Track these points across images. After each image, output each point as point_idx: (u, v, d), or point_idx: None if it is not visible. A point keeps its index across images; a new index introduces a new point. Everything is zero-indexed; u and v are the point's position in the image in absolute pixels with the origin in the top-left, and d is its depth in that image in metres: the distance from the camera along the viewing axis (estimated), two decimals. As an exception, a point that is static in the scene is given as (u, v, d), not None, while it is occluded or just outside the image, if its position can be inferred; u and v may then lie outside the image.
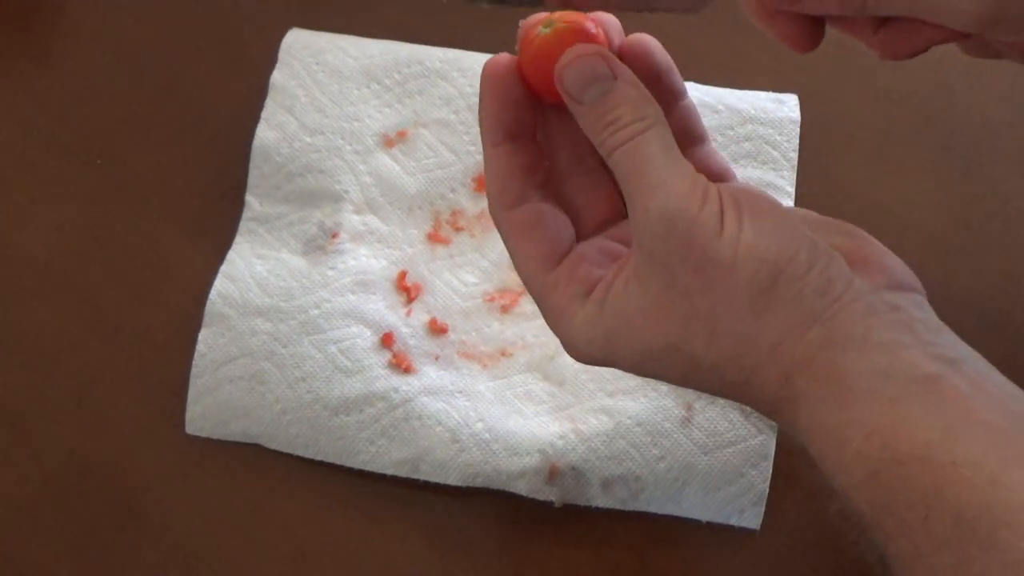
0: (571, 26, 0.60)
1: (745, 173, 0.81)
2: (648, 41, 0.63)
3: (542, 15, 0.61)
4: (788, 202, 0.81)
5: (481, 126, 0.61)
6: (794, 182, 0.81)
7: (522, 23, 0.63)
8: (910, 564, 0.50)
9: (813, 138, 0.84)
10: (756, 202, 0.55)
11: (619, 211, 0.63)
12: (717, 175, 0.62)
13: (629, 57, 0.61)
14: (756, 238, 0.53)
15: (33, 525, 0.75)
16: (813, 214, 0.63)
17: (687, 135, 0.63)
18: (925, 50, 0.61)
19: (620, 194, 0.58)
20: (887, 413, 0.51)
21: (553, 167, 0.62)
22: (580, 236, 0.62)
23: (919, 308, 0.56)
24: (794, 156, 0.82)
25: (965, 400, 0.50)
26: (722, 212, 0.54)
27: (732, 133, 0.82)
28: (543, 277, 0.60)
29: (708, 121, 0.82)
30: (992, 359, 0.78)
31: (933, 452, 0.49)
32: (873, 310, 0.54)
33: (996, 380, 0.53)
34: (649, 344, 0.56)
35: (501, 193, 0.60)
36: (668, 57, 0.63)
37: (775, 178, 0.82)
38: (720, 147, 0.82)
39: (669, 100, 0.62)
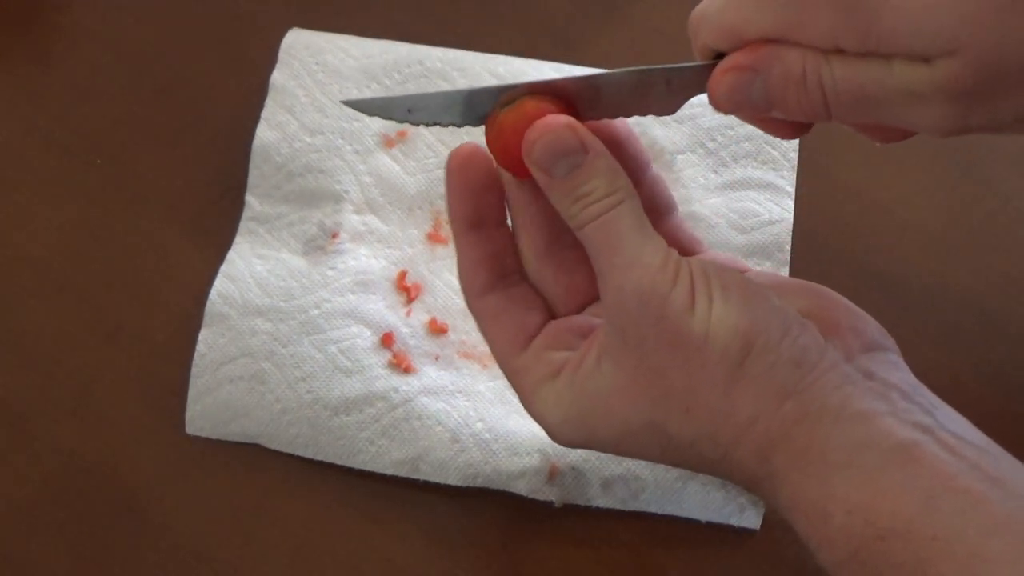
0: (538, 101, 0.59)
1: (745, 173, 0.81)
2: (607, 125, 0.62)
3: (506, 97, 0.60)
4: (788, 202, 0.81)
5: (448, 215, 0.62)
6: (794, 182, 0.81)
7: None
8: None
9: (813, 138, 0.83)
10: (725, 276, 0.56)
11: (595, 292, 0.62)
12: (687, 247, 0.63)
13: (592, 127, 0.60)
14: (726, 313, 0.54)
15: (33, 525, 0.74)
16: (779, 277, 0.65)
17: (655, 207, 0.63)
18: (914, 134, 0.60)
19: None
20: (867, 486, 0.51)
21: (530, 245, 0.62)
22: (558, 314, 0.63)
23: (894, 369, 0.56)
24: (794, 156, 0.82)
25: (943, 467, 0.50)
26: (693, 288, 0.55)
27: (732, 133, 0.82)
28: (513, 362, 0.61)
29: (708, 121, 0.83)
30: (992, 359, 0.78)
31: (914, 526, 0.49)
32: (847, 379, 0.54)
33: (972, 439, 0.53)
34: (628, 421, 0.57)
35: (470, 282, 0.62)
36: (628, 125, 0.62)
37: (775, 178, 0.82)
38: (720, 147, 0.82)
39: (635, 170, 0.62)
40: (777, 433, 0.53)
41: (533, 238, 0.62)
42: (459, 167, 0.60)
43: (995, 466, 0.51)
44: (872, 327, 0.58)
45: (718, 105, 0.57)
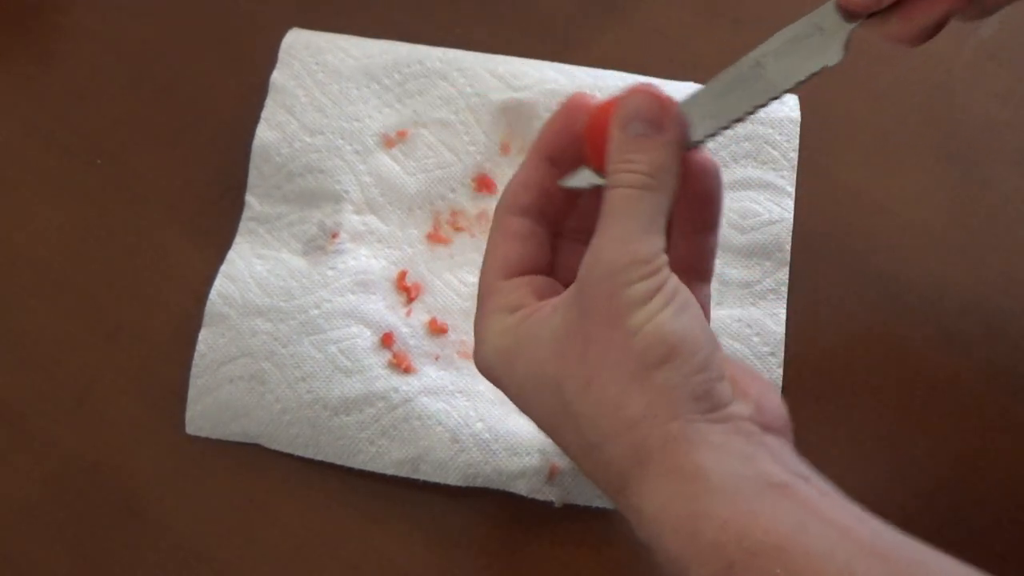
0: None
1: (745, 173, 0.81)
2: (714, 165, 0.63)
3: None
4: (788, 202, 0.81)
5: (536, 138, 0.62)
6: (794, 182, 0.81)
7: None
8: None
9: (813, 138, 0.84)
10: (690, 302, 0.56)
11: None
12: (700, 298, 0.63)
13: (689, 168, 0.61)
14: (669, 321, 0.54)
15: (33, 525, 0.75)
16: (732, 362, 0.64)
17: (694, 269, 0.63)
18: (940, 25, 0.64)
19: None
20: (740, 508, 0.51)
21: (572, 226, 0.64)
22: (557, 279, 0.63)
23: (782, 447, 0.56)
24: (794, 156, 0.82)
25: (815, 503, 0.51)
26: (657, 291, 0.55)
27: (732, 133, 0.82)
28: (492, 280, 0.61)
29: (708, 121, 0.83)
30: (992, 359, 0.78)
31: (787, 544, 0.49)
32: (738, 430, 0.54)
33: (842, 498, 0.54)
34: (540, 371, 0.57)
35: (512, 196, 0.62)
36: (722, 189, 0.63)
37: (775, 178, 0.82)
38: (720, 147, 0.82)
39: (700, 226, 0.63)
40: (656, 443, 0.53)
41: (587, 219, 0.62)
42: (574, 105, 0.61)
43: (863, 513, 0.52)
44: (780, 411, 0.58)
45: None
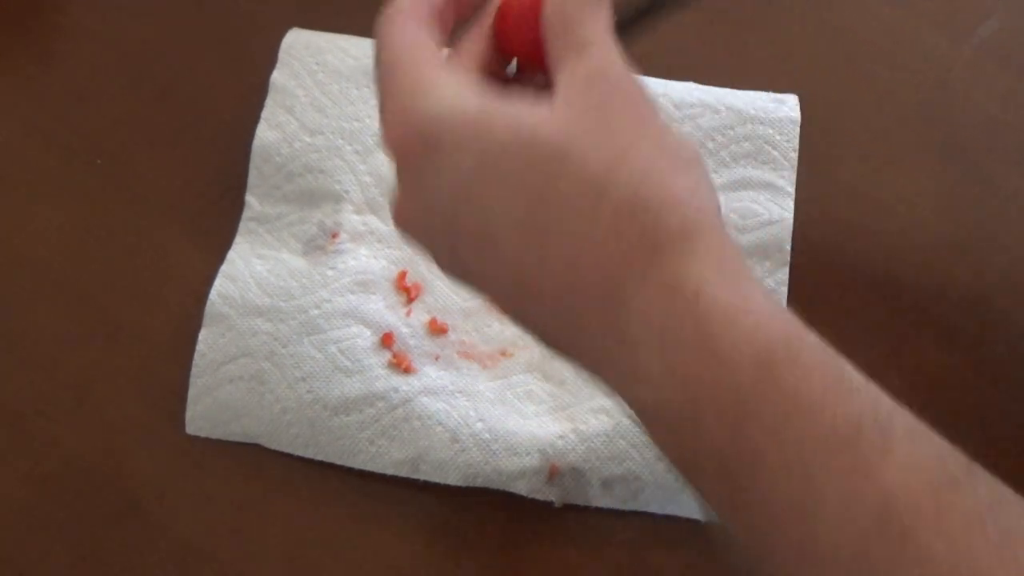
0: None
1: (745, 173, 0.81)
2: None
3: None
4: (788, 202, 0.81)
5: None
6: (794, 182, 0.81)
7: None
8: (796, 462, 0.45)
9: (813, 138, 0.84)
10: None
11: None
12: None
13: None
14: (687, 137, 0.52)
15: (33, 525, 0.75)
16: None
17: None
18: None
19: None
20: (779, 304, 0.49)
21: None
22: None
23: None
24: (794, 156, 0.82)
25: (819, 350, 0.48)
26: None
27: (732, 133, 0.82)
28: (410, 35, 0.55)
29: (708, 121, 0.83)
30: (992, 359, 0.78)
31: (829, 348, 0.48)
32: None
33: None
34: (533, 138, 0.50)
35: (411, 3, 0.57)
36: None
37: (775, 178, 0.82)
38: (720, 147, 0.82)
39: None
40: (707, 222, 0.49)
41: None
42: None
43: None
44: None
45: None
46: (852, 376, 0.47)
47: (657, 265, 0.48)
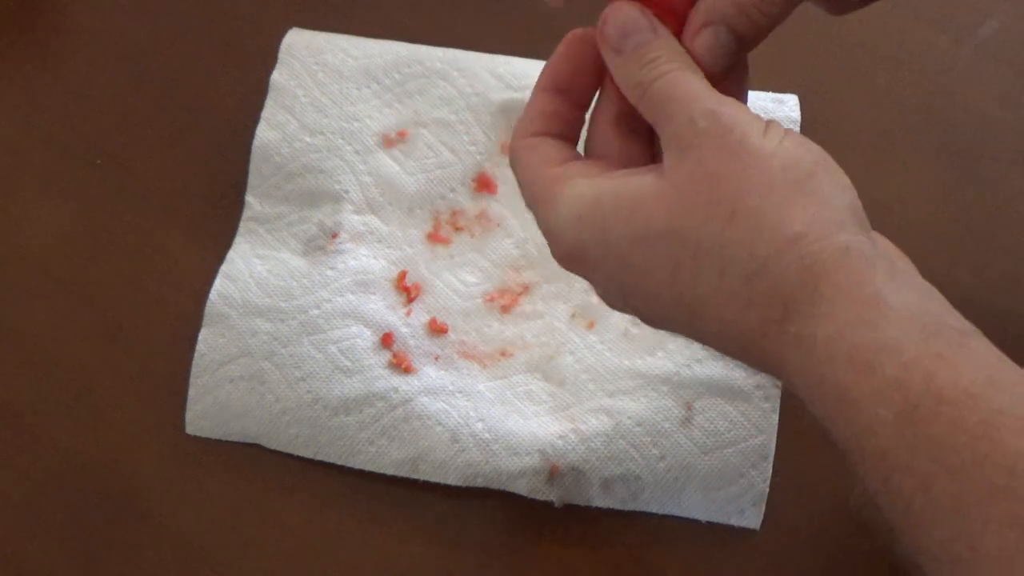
0: None
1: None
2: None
3: None
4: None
5: (541, 74, 0.61)
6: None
7: None
8: (951, 515, 0.45)
9: (813, 138, 0.83)
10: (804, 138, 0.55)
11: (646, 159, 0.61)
12: None
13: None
14: (795, 147, 0.52)
15: (32, 525, 0.75)
16: None
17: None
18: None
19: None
20: (927, 346, 0.47)
21: (607, 106, 0.61)
22: None
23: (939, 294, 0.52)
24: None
25: (998, 359, 0.48)
26: (768, 124, 0.53)
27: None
28: (545, 170, 0.58)
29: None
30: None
31: (978, 398, 0.45)
32: (899, 261, 0.53)
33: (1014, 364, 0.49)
34: (651, 224, 0.53)
35: (524, 125, 0.60)
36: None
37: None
38: (720, 147, 0.82)
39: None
40: (831, 255, 0.49)
41: (612, 101, 0.60)
42: (579, 38, 0.60)
43: None
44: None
45: None
46: (1004, 408, 0.45)
47: (789, 328, 0.50)
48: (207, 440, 0.76)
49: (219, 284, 0.79)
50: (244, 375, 0.76)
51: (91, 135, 0.86)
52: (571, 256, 0.57)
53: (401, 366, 0.76)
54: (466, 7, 0.90)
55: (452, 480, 0.73)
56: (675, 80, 0.55)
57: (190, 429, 0.76)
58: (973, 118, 0.86)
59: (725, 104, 0.53)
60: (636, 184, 0.54)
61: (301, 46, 0.86)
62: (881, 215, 0.81)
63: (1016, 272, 0.81)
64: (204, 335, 0.78)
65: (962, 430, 0.45)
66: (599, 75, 0.60)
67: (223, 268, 0.80)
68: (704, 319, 0.54)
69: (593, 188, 0.56)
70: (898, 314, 0.48)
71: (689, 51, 0.57)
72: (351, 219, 0.80)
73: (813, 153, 0.53)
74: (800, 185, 0.51)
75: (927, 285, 0.51)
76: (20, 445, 0.77)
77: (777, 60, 0.87)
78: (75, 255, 0.82)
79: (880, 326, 0.48)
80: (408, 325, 0.78)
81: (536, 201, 0.58)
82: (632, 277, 0.55)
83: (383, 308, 0.78)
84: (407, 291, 0.79)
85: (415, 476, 0.74)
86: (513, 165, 0.60)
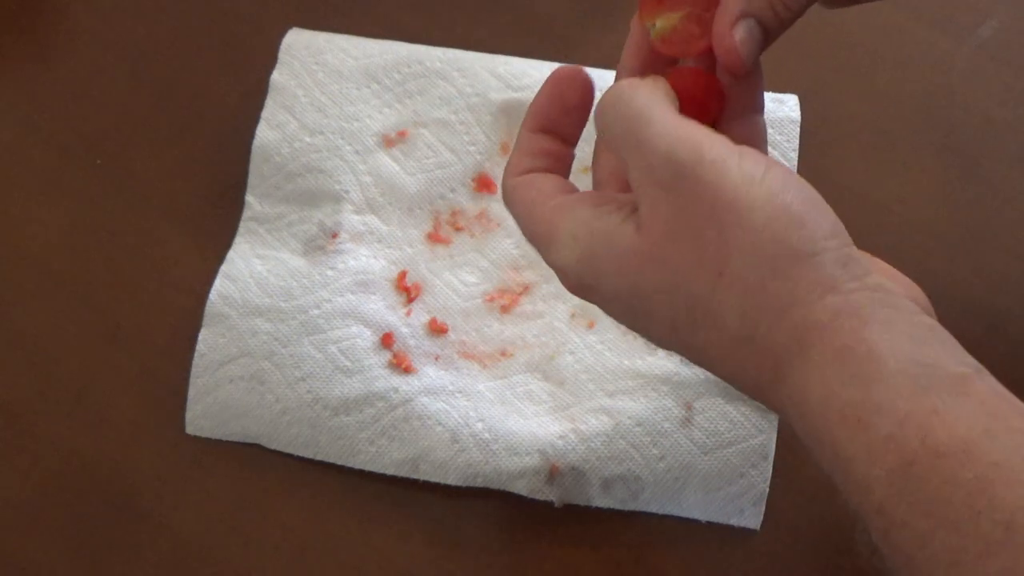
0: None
1: (745, 173, 0.81)
2: (736, 54, 0.58)
3: None
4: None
5: (526, 113, 0.60)
6: (794, 180, 0.81)
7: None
8: (949, 570, 0.44)
9: (813, 138, 0.84)
10: (783, 167, 0.51)
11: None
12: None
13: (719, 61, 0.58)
14: (782, 187, 0.50)
15: (33, 525, 0.75)
16: None
17: (749, 104, 0.60)
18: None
19: None
20: (920, 402, 0.45)
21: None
22: None
23: (941, 329, 0.51)
24: (794, 156, 0.82)
25: (997, 404, 0.46)
26: (741, 155, 0.51)
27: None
28: (545, 201, 0.57)
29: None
30: (992, 359, 0.78)
31: (973, 450, 0.44)
32: (894, 305, 0.50)
33: (1017, 401, 0.48)
34: (641, 283, 0.53)
35: (513, 166, 0.59)
36: (758, 72, 0.60)
37: (775, 178, 0.82)
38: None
39: (746, 110, 0.60)
40: (820, 319, 0.48)
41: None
42: (563, 78, 0.59)
43: None
44: (923, 295, 0.56)
45: None
46: (1000, 461, 0.44)
47: (782, 388, 0.50)
48: (207, 440, 0.76)
49: (219, 284, 0.79)
50: (244, 375, 0.76)
51: (91, 135, 0.86)
52: (580, 290, 0.57)
53: (401, 366, 0.76)
54: (466, 7, 0.90)
55: (452, 480, 0.74)
56: (629, 104, 0.54)
57: (190, 429, 0.76)
58: (973, 118, 0.86)
59: (688, 138, 0.51)
60: (620, 236, 0.53)
61: (301, 46, 0.86)
62: (881, 215, 0.82)
63: (1016, 272, 0.81)
64: (204, 335, 0.78)
65: (957, 485, 0.44)
66: (586, 112, 0.60)
67: (223, 268, 0.80)
68: (710, 363, 0.54)
69: (585, 230, 0.55)
70: (891, 369, 0.47)
71: (724, 46, 0.56)
72: (351, 219, 0.80)
73: (795, 192, 0.50)
74: (786, 243, 0.50)
75: (924, 323, 0.50)
76: (20, 445, 0.77)
77: (777, 60, 0.87)
78: (75, 255, 0.82)
79: (872, 384, 0.47)
80: (408, 325, 0.78)
81: (536, 239, 0.57)
82: (637, 320, 0.56)
83: (383, 308, 0.78)
84: (407, 291, 0.79)
85: (415, 476, 0.74)
86: (508, 202, 0.59)
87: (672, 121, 0.52)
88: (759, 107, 0.60)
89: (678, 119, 0.53)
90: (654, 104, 0.53)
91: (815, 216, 0.50)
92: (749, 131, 0.59)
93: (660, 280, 0.52)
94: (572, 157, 0.61)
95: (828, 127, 0.85)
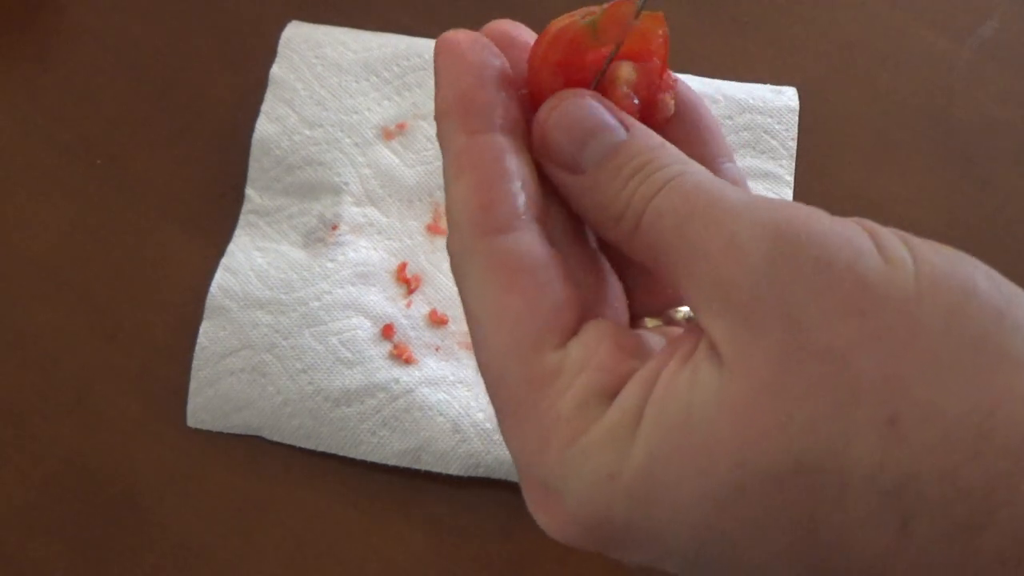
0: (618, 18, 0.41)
1: (744, 163, 0.82)
2: (695, 96, 0.44)
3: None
4: (787, 191, 0.81)
5: (449, 109, 0.41)
6: (792, 171, 0.82)
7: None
8: None
9: (813, 138, 0.84)
10: (913, 238, 0.36)
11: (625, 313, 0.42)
12: None
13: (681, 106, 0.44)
14: (944, 263, 0.35)
15: (33, 524, 0.74)
16: None
17: None
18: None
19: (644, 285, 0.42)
20: None
21: (558, 211, 0.42)
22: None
23: None
24: (793, 145, 0.82)
25: None
26: (873, 232, 0.36)
27: (731, 123, 0.83)
28: (535, 357, 0.37)
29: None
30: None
31: None
32: None
33: None
34: (746, 465, 0.33)
35: (483, 209, 0.38)
36: (712, 118, 0.45)
37: (774, 167, 0.82)
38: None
39: (717, 159, 0.44)
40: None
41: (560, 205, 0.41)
42: (474, 39, 0.43)
43: None
44: None
45: None
46: None
47: None
48: (208, 439, 0.76)
49: (220, 277, 0.79)
50: (245, 367, 0.76)
51: (91, 135, 0.86)
52: (589, 531, 0.36)
53: (402, 357, 0.76)
54: (466, 6, 0.90)
55: (454, 470, 0.74)
56: (684, 187, 0.37)
57: (191, 422, 0.76)
58: (973, 118, 0.86)
59: (785, 211, 0.35)
60: (689, 406, 0.34)
61: (300, 39, 0.86)
62: (881, 215, 0.82)
63: (1016, 272, 0.81)
64: (205, 328, 0.78)
65: None
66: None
67: (223, 261, 0.80)
68: None
69: (621, 432, 0.35)
70: None
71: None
72: (351, 211, 0.80)
73: (968, 271, 0.35)
74: (984, 340, 0.33)
75: None
76: (20, 445, 0.77)
77: (777, 60, 0.87)
78: (75, 255, 0.82)
79: None
80: (408, 316, 0.78)
81: (515, 414, 0.37)
82: (717, 550, 0.34)
83: (383, 299, 0.78)
84: (407, 282, 0.79)
85: (417, 467, 0.74)
86: (467, 293, 0.39)
87: (742, 196, 0.36)
88: (725, 153, 0.44)
89: (743, 193, 0.37)
90: (690, 163, 0.38)
91: (1007, 292, 0.35)
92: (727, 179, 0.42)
93: (777, 455, 0.32)
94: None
95: (828, 127, 0.85)
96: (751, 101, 0.83)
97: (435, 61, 0.42)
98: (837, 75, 0.87)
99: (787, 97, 0.84)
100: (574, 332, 0.37)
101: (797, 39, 0.88)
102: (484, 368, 0.38)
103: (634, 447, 0.34)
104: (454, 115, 0.40)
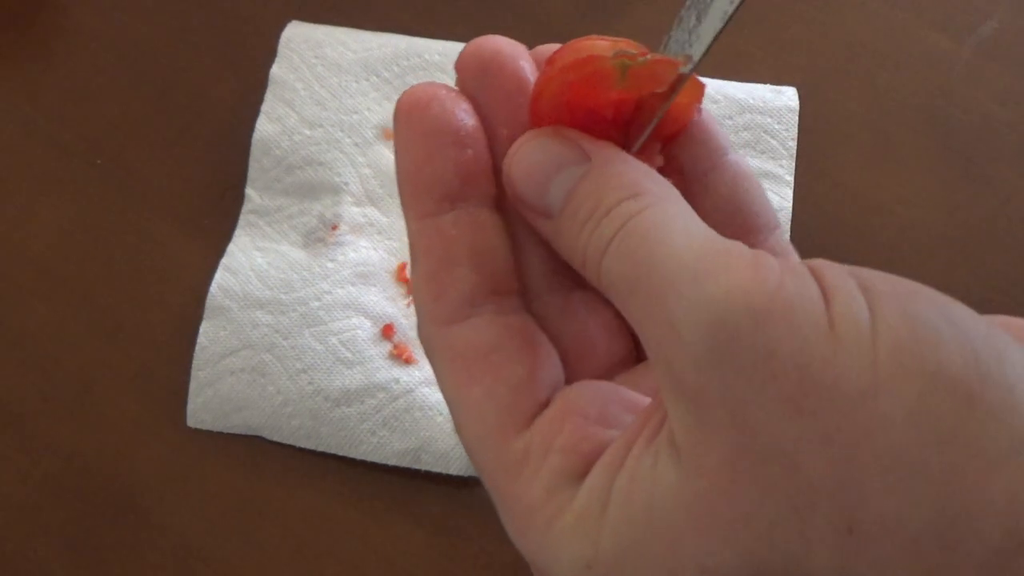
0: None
1: (744, 163, 0.82)
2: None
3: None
4: (787, 191, 0.81)
5: (401, 188, 0.39)
6: (792, 171, 0.81)
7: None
8: None
9: (813, 138, 0.84)
10: (885, 277, 0.34)
11: (629, 349, 0.41)
12: None
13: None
14: (908, 329, 0.31)
15: (33, 524, 0.74)
16: None
17: (744, 222, 0.41)
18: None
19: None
20: None
21: (533, 257, 0.40)
22: (570, 377, 0.39)
23: None
24: (793, 145, 0.82)
25: None
26: (825, 291, 0.32)
27: (731, 123, 0.83)
28: (503, 444, 0.36)
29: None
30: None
31: None
32: None
33: None
34: (707, 572, 0.32)
35: (434, 300, 0.38)
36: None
37: (774, 167, 0.82)
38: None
39: (703, 166, 0.41)
40: None
41: (536, 247, 0.40)
42: (422, 107, 0.38)
43: None
44: None
45: None
46: None
47: None
48: (208, 439, 0.76)
49: (220, 277, 0.79)
50: (245, 367, 0.76)
51: (91, 135, 0.86)
52: None
53: (402, 357, 0.76)
54: (465, 6, 0.90)
55: (454, 470, 0.73)
56: (632, 237, 0.34)
57: (191, 422, 0.76)
58: (973, 118, 0.86)
59: (731, 279, 0.32)
60: (653, 499, 0.33)
61: (300, 39, 0.86)
62: (881, 215, 0.82)
63: (1016, 272, 0.81)
64: (205, 328, 0.78)
65: None
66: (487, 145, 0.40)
67: (223, 261, 0.80)
68: None
69: (590, 520, 0.34)
70: None
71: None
72: (351, 211, 0.80)
73: (935, 337, 0.31)
74: (952, 435, 0.30)
75: None
76: (20, 445, 0.77)
77: (777, 60, 0.87)
78: (75, 255, 0.82)
79: None
80: (408, 316, 0.78)
81: (498, 500, 0.38)
82: None
83: (383, 299, 0.78)
84: (407, 282, 0.79)
85: (417, 466, 0.74)
86: (440, 382, 0.40)
87: (696, 247, 0.33)
88: (770, 225, 0.42)
89: (700, 238, 0.34)
90: (661, 194, 0.35)
91: (981, 364, 0.31)
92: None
93: (735, 557, 0.31)
94: (502, 230, 0.40)
95: (828, 127, 0.85)
96: (751, 101, 0.83)
97: (393, 125, 0.39)
98: (837, 75, 0.87)
99: (787, 97, 0.84)
100: (544, 404, 0.37)
101: (797, 39, 0.88)
102: (466, 451, 0.38)
103: (603, 536, 0.33)
104: (403, 196, 0.39)
